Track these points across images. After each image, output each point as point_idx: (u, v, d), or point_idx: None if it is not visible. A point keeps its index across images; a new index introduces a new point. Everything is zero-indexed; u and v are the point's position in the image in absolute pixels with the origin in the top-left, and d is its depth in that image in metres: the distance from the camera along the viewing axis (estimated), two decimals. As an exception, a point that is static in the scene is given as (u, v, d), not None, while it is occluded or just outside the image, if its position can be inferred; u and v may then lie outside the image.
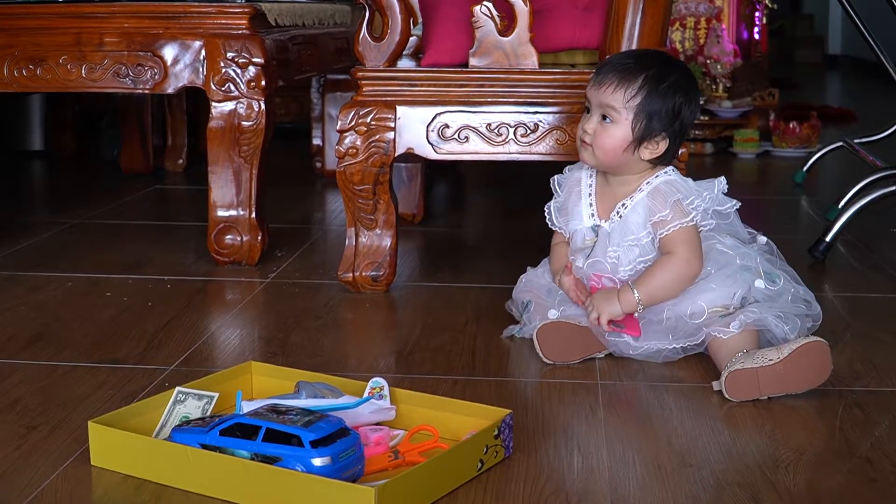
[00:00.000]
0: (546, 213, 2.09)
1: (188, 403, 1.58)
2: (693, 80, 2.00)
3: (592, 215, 2.02)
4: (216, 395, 1.60)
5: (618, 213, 1.98)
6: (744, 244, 2.00)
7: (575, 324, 1.94)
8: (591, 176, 2.04)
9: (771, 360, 1.75)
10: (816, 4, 10.96)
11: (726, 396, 1.76)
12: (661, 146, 1.95)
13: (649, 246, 1.95)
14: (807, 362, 1.76)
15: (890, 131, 3.88)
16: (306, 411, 1.45)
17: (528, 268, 2.15)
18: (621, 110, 1.93)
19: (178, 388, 1.59)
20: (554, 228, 2.08)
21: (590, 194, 2.03)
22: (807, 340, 1.77)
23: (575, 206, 2.04)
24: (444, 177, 3.84)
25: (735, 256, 1.96)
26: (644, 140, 1.94)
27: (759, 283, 1.94)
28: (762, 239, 2.05)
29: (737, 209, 2.00)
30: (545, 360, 1.94)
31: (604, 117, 1.95)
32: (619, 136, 1.94)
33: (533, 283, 2.09)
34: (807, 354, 1.76)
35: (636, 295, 1.91)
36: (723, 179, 1.98)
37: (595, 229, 2.00)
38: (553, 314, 1.98)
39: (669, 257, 1.92)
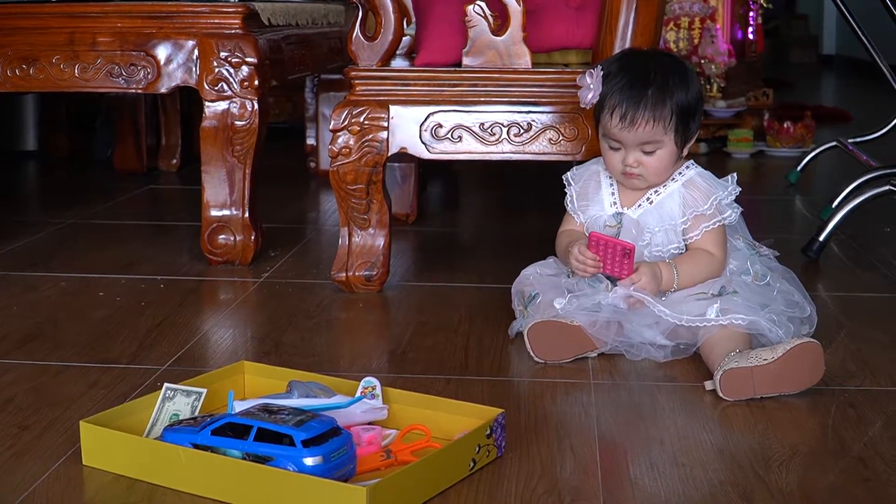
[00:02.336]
0: (567, 202, 2.12)
1: (177, 400, 1.57)
2: (673, 56, 2.11)
3: (614, 203, 2.05)
4: (204, 391, 1.60)
5: (648, 199, 2.03)
6: (753, 246, 2.08)
7: (566, 322, 1.93)
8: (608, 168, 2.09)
9: (765, 359, 1.75)
10: (811, 5, 10.97)
11: (721, 395, 1.75)
12: (695, 133, 2.04)
13: (678, 234, 2.01)
14: (800, 363, 1.76)
15: (884, 131, 3.88)
16: (298, 411, 1.45)
17: (532, 264, 2.14)
18: (663, 138, 1.98)
19: (166, 385, 1.59)
20: (572, 214, 2.10)
21: (611, 184, 2.08)
22: (801, 341, 1.77)
23: (595, 194, 2.08)
24: (437, 177, 3.84)
25: (746, 257, 2.03)
26: (687, 142, 2.01)
27: (746, 278, 1.98)
28: (765, 249, 2.11)
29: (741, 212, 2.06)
30: (536, 358, 1.94)
31: (645, 151, 1.99)
32: (668, 156, 2.00)
33: (542, 276, 2.08)
34: (800, 355, 1.76)
35: (676, 279, 1.96)
36: (735, 175, 2.05)
37: (617, 217, 2.03)
38: (560, 303, 1.97)
39: (710, 256, 1.99)
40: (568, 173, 2.14)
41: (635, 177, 2.01)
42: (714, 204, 2.00)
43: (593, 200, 2.08)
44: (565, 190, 2.12)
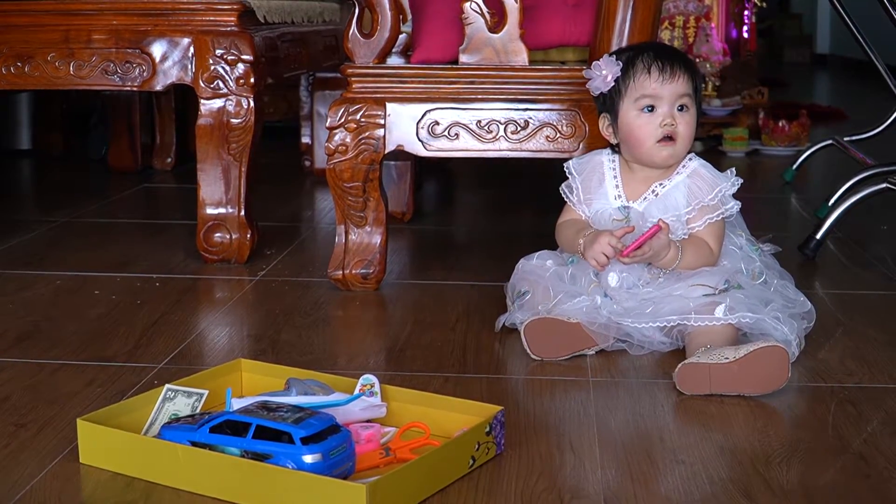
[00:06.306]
0: (563, 193, 2.11)
1: (177, 401, 1.57)
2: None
3: (619, 197, 2.05)
4: (206, 392, 1.59)
5: (653, 191, 2.03)
6: (753, 242, 2.08)
7: (563, 320, 1.92)
8: (612, 161, 2.08)
9: (726, 358, 1.74)
10: (805, 4, 10.98)
11: (677, 388, 1.76)
12: (698, 116, 2.05)
13: (683, 224, 2.00)
14: (762, 366, 1.74)
15: (880, 129, 3.88)
16: (297, 408, 1.44)
17: (523, 259, 2.12)
18: (692, 95, 2.01)
19: (167, 386, 1.58)
20: (572, 207, 2.09)
21: (615, 177, 2.06)
22: (766, 344, 1.75)
23: (599, 187, 2.07)
24: (432, 175, 3.83)
25: (740, 258, 2.02)
26: (697, 121, 2.03)
27: (743, 278, 1.98)
28: (767, 247, 2.11)
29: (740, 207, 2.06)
30: (532, 356, 1.93)
31: (680, 108, 2.00)
32: (693, 122, 2.02)
33: (534, 273, 2.06)
34: (763, 358, 1.74)
35: (678, 262, 1.96)
36: (734, 170, 2.05)
37: (623, 210, 2.03)
38: (543, 309, 1.96)
39: (709, 248, 1.99)
40: (570, 162, 2.12)
41: (672, 140, 1.99)
42: (718, 195, 2.00)
43: (597, 194, 2.06)
44: (568, 179, 2.12)
